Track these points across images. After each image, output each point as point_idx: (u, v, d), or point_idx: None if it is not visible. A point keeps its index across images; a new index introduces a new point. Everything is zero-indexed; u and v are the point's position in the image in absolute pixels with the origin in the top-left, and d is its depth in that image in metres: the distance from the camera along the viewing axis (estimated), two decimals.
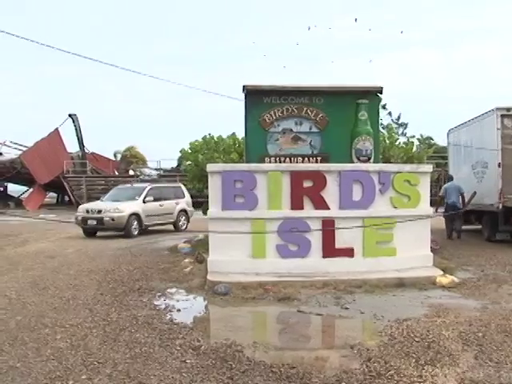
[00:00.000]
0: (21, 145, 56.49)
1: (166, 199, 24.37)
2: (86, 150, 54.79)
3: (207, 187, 13.12)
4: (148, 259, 15.27)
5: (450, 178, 20.31)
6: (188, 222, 25.53)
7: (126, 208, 22.25)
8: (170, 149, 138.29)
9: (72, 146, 54.60)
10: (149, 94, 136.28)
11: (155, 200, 23.53)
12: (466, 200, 18.97)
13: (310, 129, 13.72)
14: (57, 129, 52.12)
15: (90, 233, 22.67)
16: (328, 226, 11.89)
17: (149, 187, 24.23)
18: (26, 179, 52.02)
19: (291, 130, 13.70)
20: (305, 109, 13.71)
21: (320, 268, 11.69)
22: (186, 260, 14.03)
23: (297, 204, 11.94)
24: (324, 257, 11.95)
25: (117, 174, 54.93)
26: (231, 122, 72.51)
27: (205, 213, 15.16)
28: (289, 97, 13.77)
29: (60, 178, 48.84)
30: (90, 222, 22.35)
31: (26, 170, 49.26)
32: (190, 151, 19.76)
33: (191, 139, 20.48)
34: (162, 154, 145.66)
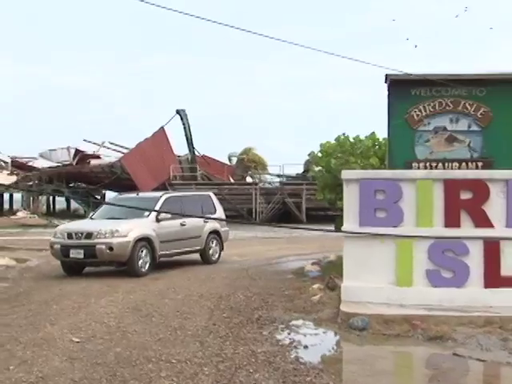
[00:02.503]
0: (121, 146, 58.63)
1: (189, 215, 19.64)
2: (197, 153, 55.83)
3: (341, 198, 13.08)
4: (269, 284, 15.40)
5: None
6: (222, 248, 21.36)
7: (131, 230, 17.69)
8: (296, 151, 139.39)
9: (180, 148, 55.88)
10: (270, 85, 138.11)
11: (175, 217, 18.78)
12: None
13: (469, 127, 13.42)
14: (162, 127, 53.53)
15: (74, 269, 18.14)
16: (492, 249, 11.56)
17: (164, 197, 19.62)
18: (126, 186, 53.55)
19: (445, 129, 13.46)
20: (462, 102, 13.42)
21: (481, 301, 11.33)
22: (315, 286, 14.01)
23: (452, 220, 11.67)
24: (486, 287, 11.58)
25: (232, 180, 55.69)
26: (371, 118, 71.92)
27: (338, 229, 15.09)
28: (442, 88, 13.53)
29: (166, 185, 49.79)
30: (73, 252, 17.47)
31: (126, 175, 50.72)
32: (320, 154, 19.79)
33: (322, 140, 20.51)
34: (286, 157, 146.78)
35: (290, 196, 49.16)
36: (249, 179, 57.11)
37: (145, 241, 17.86)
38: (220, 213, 21.72)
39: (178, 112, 53.49)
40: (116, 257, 17.46)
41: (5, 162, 58.64)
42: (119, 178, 51.88)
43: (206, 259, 20.52)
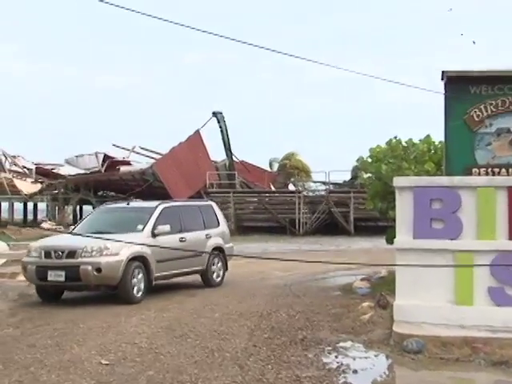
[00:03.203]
0: (153, 151, 58.95)
1: (189, 229, 18.29)
2: (235, 158, 55.90)
3: (393, 208, 12.97)
4: (314, 301, 15.35)
5: None
6: (226, 268, 19.37)
7: (123, 247, 15.49)
8: (343, 156, 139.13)
9: (217, 153, 56.02)
10: (314, 84, 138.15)
11: (173, 231, 17.41)
12: None
13: None
14: (198, 131, 53.71)
15: (51, 295, 16.51)
16: None
17: (160, 208, 17.81)
18: (159, 195, 53.82)
19: (509, 131, 13.31)
20: None
21: None
22: (365, 304, 13.92)
23: None
24: None
25: (273, 188, 55.70)
26: (425, 120, 71.59)
27: (389, 241, 14.98)
28: (505, 85, 13.39)
29: (201, 193, 49.81)
30: (52, 274, 15.57)
31: (159, 183, 50.95)
32: (369, 160, 19.66)
33: (371, 144, 20.39)
34: (332, 163, 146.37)
35: (337, 205, 48.76)
36: (291, 187, 57.05)
37: (139, 260, 16.07)
38: (223, 227, 20.11)
39: (214, 114, 53.54)
40: (105, 279, 15.63)
41: (29, 169, 59.36)
42: (151, 186, 52.12)
43: (207, 281, 18.54)
